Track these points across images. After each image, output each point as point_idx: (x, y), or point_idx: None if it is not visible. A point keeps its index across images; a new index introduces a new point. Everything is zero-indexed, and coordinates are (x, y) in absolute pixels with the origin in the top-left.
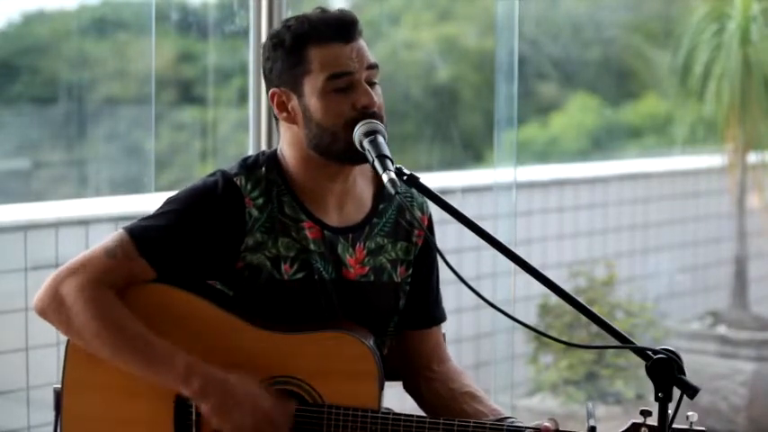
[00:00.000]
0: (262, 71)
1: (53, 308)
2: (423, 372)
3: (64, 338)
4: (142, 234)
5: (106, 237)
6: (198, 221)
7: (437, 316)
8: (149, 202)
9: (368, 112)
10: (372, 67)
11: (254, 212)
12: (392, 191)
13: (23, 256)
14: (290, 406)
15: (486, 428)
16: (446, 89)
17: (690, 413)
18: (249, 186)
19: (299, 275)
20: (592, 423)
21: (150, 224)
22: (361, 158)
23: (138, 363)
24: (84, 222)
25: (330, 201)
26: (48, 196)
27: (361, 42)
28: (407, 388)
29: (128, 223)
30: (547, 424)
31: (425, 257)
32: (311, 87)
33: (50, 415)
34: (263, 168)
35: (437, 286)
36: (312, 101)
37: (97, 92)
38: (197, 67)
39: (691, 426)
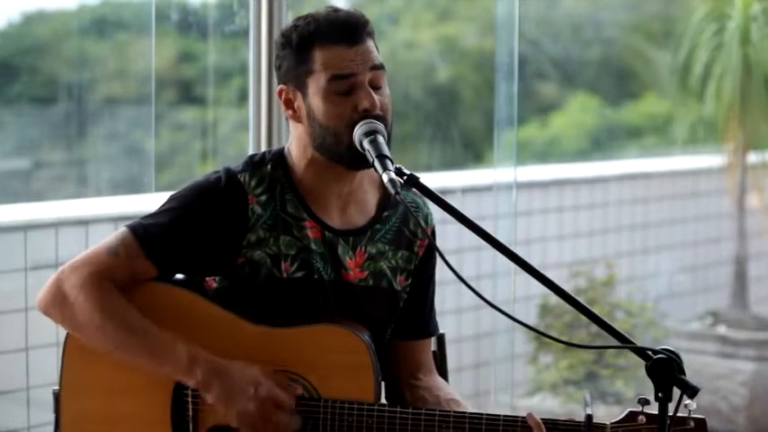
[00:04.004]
0: (274, 67)
1: (56, 304)
2: (408, 380)
3: (64, 339)
4: (145, 232)
5: (108, 235)
6: (200, 218)
7: (430, 329)
8: (149, 202)
9: (369, 116)
10: (377, 67)
11: (258, 209)
12: (392, 190)
13: (23, 256)
14: (295, 390)
15: (483, 420)
16: (446, 89)
17: (688, 401)
18: (253, 183)
19: (299, 274)
20: (588, 411)
21: (153, 222)
22: (364, 163)
23: (142, 354)
24: (84, 222)
25: (333, 202)
26: (48, 196)
27: (368, 44)
28: (390, 396)
29: (130, 221)
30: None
31: (425, 269)
32: (315, 87)
33: (50, 415)
34: (269, 166)
35: (432, 299)
36: (315, 101)
37: (97, 92)
38: (197, 67)
39: (689, 414)
